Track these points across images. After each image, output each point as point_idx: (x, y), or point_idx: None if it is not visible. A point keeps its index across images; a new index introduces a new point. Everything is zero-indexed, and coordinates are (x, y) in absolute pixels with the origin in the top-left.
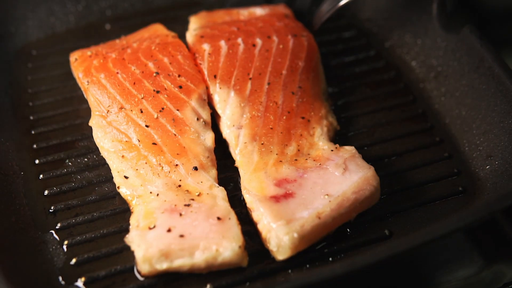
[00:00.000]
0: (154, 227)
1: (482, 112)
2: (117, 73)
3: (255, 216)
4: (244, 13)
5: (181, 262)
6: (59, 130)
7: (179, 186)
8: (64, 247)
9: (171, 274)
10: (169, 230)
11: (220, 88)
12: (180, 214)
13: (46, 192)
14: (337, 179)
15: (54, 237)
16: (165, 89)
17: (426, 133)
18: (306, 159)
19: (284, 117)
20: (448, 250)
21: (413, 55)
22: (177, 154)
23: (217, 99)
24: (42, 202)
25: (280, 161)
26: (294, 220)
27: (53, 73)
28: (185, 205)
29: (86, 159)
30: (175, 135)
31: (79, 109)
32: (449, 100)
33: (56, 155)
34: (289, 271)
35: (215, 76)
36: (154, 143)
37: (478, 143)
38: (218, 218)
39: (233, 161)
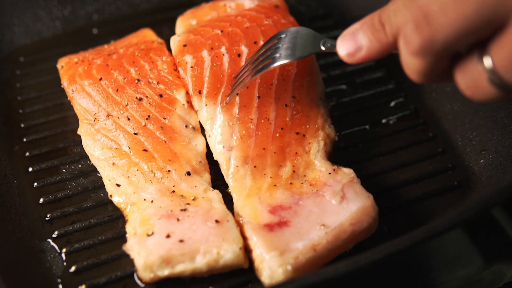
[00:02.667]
0: (153, 233)
1: (474, 106)
2: (100, 80)
3: (249, 244)
4: (231, 5)
5: (182, 267)
6: (51, 137)
7: (173, 191)
8: (63, 255)
9: (172, 278)
10: (168, 236)
11: (206, 105)
12: (178, 219)
13: (41, 200)
14: (334, 208)
15: (52, 245)
16: (147, 96)
17: (419, 129)
18: (302, 183)
19: (277, 135)
20: (448, 250)
21: None
22: (169, 160)
23: (203, 117)
24: (37, 210)
25: (275, 185)
26: (288, 251)
27: (42, 80)
28: (181, 210)
29: (80, 165)
30: (165, 141)
31: (71, 115)
32: (441, 96)
33: (49, 162)
34: None
35: (199, 92)
36: (144, 150)
37: (471, 138)
38: (216, 221)
39: None
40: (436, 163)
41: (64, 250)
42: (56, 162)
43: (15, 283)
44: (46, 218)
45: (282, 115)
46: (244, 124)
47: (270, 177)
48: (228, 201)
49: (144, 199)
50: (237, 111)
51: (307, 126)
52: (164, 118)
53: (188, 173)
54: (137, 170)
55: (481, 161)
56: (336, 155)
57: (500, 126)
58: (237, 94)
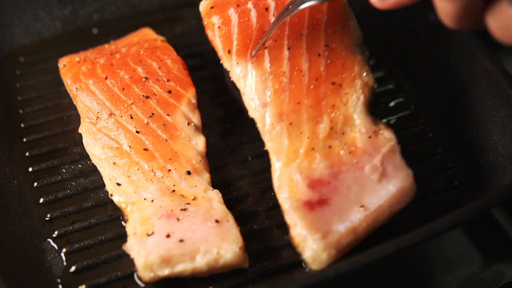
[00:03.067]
0: (153, 233)
1: (474, 106)
2: (106, 78)
3: (288, 219)
4: None
5: (182, 267)
6: (51, 137)
7: (173, 191)
8: (63, 255)
9: (172, 278)
10: (168, 236)
11: (237, 63)
12: (178, 219)
13: (41, 200)
14: (373, 186)
15: (52, 245)
16: (155, 94)
17: (419, 129)
18: (341, 149)
19: (312, 86)
20: (448, 250)
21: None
22: (169, 159)
23: (235, 75)
24: (37, 210)
25: (313, 148)
26: (330, 234)
27: (42, 80)
28: (182, 209)
29: (80, 165)
30: (166, 140)
31: (71, 115)
32: (440, 96)
33: (49, 162)
34: (291, 270)
35: (229, 52)
36: (145, 149)
37: (470, 138)
38: (216, 221)
39: (225, 164)
40: (436, 163)
41: (64, 250)
42: (56, 162)
43: (15, 283)
44: (46, 218)
45: (316, 65)
46: (276, 78)
47: (308, 138)
48: (228, 201)
49: (145, 199)
50: (268, 65)
51: (343, 75)
52: (168, 115)
53: (188, 173)
54: (138, 169)
55: (481, 161)
56: None
57: (500, 126)
58: (265, 47)
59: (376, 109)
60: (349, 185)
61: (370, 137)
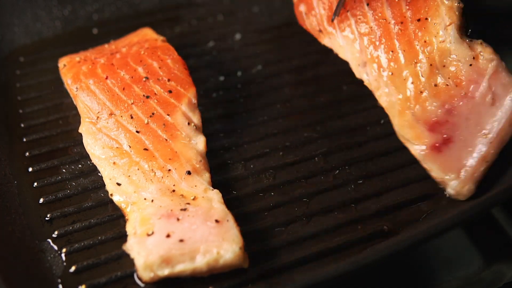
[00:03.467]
0: (153, 233)
1: None
2: (106, 78)
3: (423, 165)
4: None
5: (182, 267)
6: (51, 137)
7: (173, 191)
8: (63, 255)
9: (172, 278)
10: (168, 236)
11: (330, 38)
12: (178, 219)
13: (41, 200)
14: (489, 110)
15: (51, 245)
16: (155, 94)
17: None
18: (447, 84)
19: (400, 31)
20: (448, 250)
21: None
22: (169, 159)
23: (335, 48)
24: (37, 210)
25: (420, 92)
26: (463, 170)
27: (42, 79)
28: (182, 209)
29: (80, 165)
30: (166, 140)
31: (70, 115)
32: None
33: (49, 162)
34: (291, 270)
35: (320, 31)
36: (145, 149)
37: None
38: (216, 221)
39: (225, 164)
40: None
41: (64, 250)
42: (56, 162)
43: (15, 283)
44: (46, 218)
45: (397, 9)
46: (365, 36)
47: (412, 82)
48: (228, 201)
49: (145, 198)
50: (355, 27)
51: (426, 8)
52: (168, 115)
53: (189, 173)
54: (138, 169)
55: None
56: (335, 156)
57: None
58: (347, 11)
59: (376, 109)
60: (466, 117)
61: (471, 64)
